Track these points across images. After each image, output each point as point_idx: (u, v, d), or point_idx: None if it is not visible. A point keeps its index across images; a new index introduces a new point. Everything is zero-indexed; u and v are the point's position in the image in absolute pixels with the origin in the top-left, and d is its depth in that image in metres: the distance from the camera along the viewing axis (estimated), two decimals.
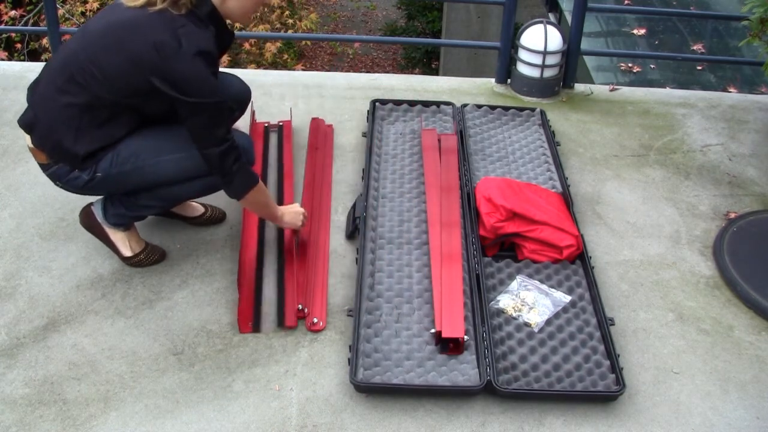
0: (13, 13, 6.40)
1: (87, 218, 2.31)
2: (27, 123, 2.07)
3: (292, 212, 2.37)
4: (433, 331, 2.10)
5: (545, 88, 3.37)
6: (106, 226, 2.28)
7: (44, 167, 2.11)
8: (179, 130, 2.07)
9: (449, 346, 2.07)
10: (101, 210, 2.26)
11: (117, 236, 2.30)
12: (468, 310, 2.17)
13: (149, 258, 2.34)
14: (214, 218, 2.52)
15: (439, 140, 2.85)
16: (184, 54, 1.88)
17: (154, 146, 2.09)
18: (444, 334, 2.07)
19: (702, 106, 3.41)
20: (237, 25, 6.76)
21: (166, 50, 1.88)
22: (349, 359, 2.03)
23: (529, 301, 2.24)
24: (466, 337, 2.07)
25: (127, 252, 2.31)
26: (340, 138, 3.01)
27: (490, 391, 1.97)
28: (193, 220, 2.50)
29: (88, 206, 2.30)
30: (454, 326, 2.09)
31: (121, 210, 2.23)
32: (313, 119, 3.03)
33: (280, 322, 2.17)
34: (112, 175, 2.08)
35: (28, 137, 2.09)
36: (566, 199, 2.59)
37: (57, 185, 2.14)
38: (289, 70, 6.28)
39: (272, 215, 2.31)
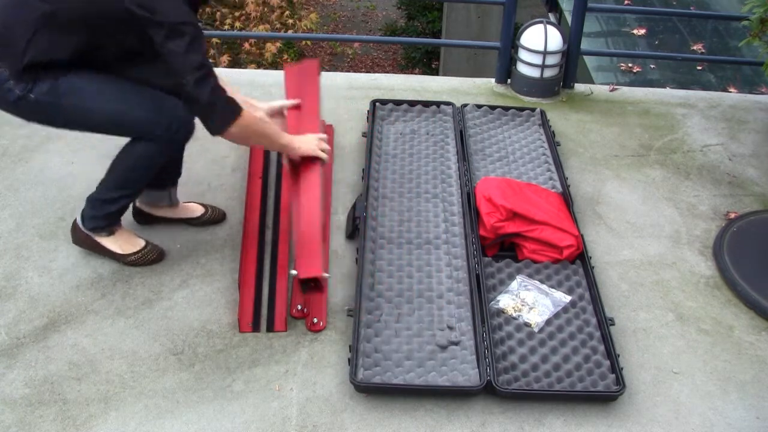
0: None
1: (75, 232, 2.32)
2: None
3: (307, 139, 2.29)
4: (294, 272, 2.06)
5: (545, 88, 3.37)
6: (90, 233, 2.28)
7: None
8: (127, 84, 2.04)
9: (310, 286, 2.04)
10: (80, 219, 2.28)
11: (105, 241, 2.29)
12: (467, 310, 2.17)
13: (146, 257, 2.33)
14: (214, 219, 2.52)
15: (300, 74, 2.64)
16: None
17: (97, 88, 2.03)
18: (301, 275, 2.02)
19: (702, 106, 3.41)
20: (237, 25, 6.80)
21: None
22: (349, 359, 2.03)
23: (529, 301, 2.24)
24: (326, 275, 2.01)
25: (119, 251, 2.31)
26: (340, 138, 3.01)
27: (490, 391, 1.97)
28: (194, 220, 2.50)
29: (74, 221, 2.31)
30: (311, 264, 2.03)
31: (91, 212, 2.22)
32: None
33: (270, 328, 2.16)
34: (44, 103, 2.01)
35: None
36: (566, 199, 2.59)
37: None
38: None
39: (280, 144, 2.23)
